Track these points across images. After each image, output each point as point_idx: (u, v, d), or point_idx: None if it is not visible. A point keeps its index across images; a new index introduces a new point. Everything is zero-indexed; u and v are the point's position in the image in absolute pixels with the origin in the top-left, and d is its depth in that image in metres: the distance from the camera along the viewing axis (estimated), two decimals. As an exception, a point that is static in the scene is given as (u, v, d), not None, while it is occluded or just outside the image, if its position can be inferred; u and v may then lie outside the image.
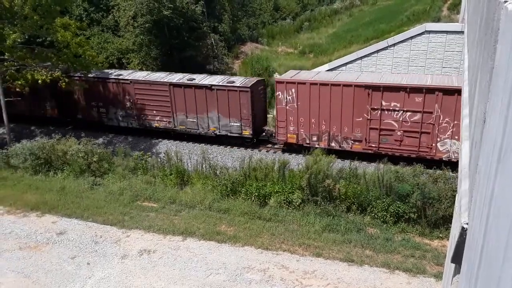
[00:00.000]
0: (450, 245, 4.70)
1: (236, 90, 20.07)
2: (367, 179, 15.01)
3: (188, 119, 21.61)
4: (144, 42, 29.15)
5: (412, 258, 12.29)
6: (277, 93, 19.38)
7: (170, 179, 17.13)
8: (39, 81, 20.10)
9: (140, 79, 22.25)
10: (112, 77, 22.90)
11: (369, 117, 17.92)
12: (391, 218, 13.75)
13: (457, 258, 3.33)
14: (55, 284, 11.81)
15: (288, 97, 19.13)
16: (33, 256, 13.09)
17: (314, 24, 43.64)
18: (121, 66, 29.57)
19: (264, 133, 22.02)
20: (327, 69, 28.43)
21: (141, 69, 28.13)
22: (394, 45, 26.31)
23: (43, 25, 19.70)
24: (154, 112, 22.30)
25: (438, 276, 11.29)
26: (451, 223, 8.35)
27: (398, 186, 13.91)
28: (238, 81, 20.71)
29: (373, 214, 14.06)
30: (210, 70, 30.57)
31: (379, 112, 17.71)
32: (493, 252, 1.74)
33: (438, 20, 31.09)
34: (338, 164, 17.70)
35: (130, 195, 16.32)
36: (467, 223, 3.03)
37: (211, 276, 11.85)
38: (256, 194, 15.20)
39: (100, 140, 23.06)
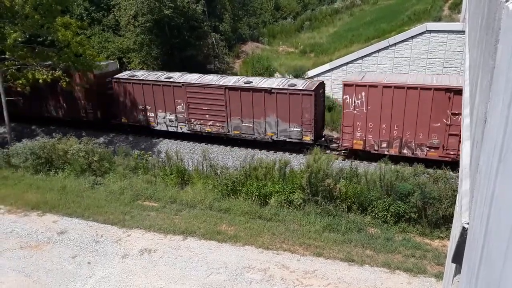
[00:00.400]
0: (451, 245, 4.70)
1: (298, 94, 19.13)
2: (367, 179, 15.00)
3: (243, 124, 20.69)
4: (144, 42, 29.15)
5: (412, 258, 12.29)
6: (345, 96, 18.36)
7: (170, 179, 17.14)
8: (40, 81, 20.13)
9: (193, 82, 21.32)
10: (162, 79, 21.96)
11: (448, 123, 16.87)
12: (392, 218, 13.74)
13: (458, 258, 3.33)
14: (55, 283, 11.82)
15: (356, 101, 18.08)
16: (34, 255, 13.11)
17: (315, 24, 43.58)
18: (122, 66, 29.57)
19: (323, 138, 20.99)
20: (328, 69, 28.44)
21: (141, 69, 28.13)
22: (395, 44, 26.31)
23: (44, 24, 19.71)
24: (207, 116, 21.33)
25: (439, 276, 11.28)
26: (451, 223, 8.34)
27: (399, 185, 13.91)
28: (300, 83, 19.81)
29: (373, 214, 14.06)
30: (211, 70, 30.56)
31: (461, 117, 16.95)
32: (494, 252, 1.74)
33: (439, 19, 31.04)
34: (339, 163, 17.69)
35: (130, 195, 16.33)
36: (467, 223, 3.03)
37: (211, 276, 11.85)
38: (257, 193, 15.20)
39: (101, 139, 23.07)
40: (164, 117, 22.37)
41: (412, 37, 25.77)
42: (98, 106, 23.57)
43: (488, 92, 2.71)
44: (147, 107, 22.53)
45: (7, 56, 20.28)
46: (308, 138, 19.59)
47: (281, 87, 19.57)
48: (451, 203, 12.68)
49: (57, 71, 20.77)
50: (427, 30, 25.27)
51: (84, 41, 21.78)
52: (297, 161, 18.90)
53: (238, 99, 20.35)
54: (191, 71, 24.07)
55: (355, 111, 18.29)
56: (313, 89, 19.00)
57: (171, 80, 21.78)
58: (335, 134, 22.17)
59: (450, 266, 4.28)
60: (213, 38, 32.02)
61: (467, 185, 3.66)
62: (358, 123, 18.38)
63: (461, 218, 3.26)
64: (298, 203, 14.75)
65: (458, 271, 3.65)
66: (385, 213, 13.80)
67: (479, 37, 5.12)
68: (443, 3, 36.37)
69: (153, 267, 12.33)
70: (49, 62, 21.33)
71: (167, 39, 28.90)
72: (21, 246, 13.61)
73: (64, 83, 20.96)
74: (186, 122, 21.95)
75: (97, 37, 31.15)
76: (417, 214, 13.49)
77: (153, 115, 22.57)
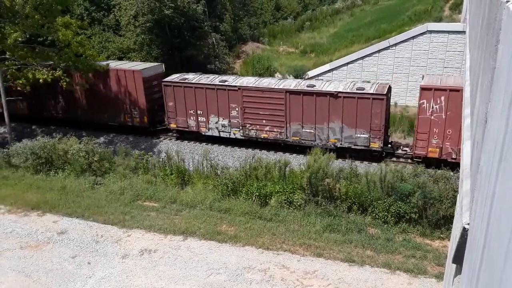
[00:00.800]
0: (451, 245, 4.69)
1: (368, 98, 18.03)
2: (368, 179, 14.98)
3: (303, 130, 19.62)
4: (145, 42, 29.18)
5: (413, 258, 12.27)
6: (421, 101, 17.22)
7: (171, 179, 17.13)
8: (40, 80, 20.14)
9: (250, 85, 20.28)
10: (216, 83, 20.89)
11: None
12: (392, 218, 13.73)
13: (458, 258, 3.32)
14: (55, 284, 11.82)
15: (435, 106, 17.02)
16: (34, 255, 13.11)
17: (316, 24, 43.63)
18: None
19: (389, 145, 19.74)
20: (328, 69, 28.45)
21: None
22: (395, 45, 26.32)
23: (44, 24, 19.73)
24: (264, 121, 20.33)
25: (439, 276, 11.27)
26: (452, 223, 8.33)
27: (399, 185, 13.89)
28: (368, 87, 18.69)
29: (374, 214, 14.04)
30: (212, 70, 30.59)
31: None
32: (495, 253, 1.73)
33: (439, 20, 31.07)
34: (339, 164, 17.68)
35: (131, 195, 16.33)
36: (468, 224, 3.02)
37: (211, 276, 11.84)
38: (257, 194, 15.18)
39: (101, 139, 23.08)
40: (216, 122, 21.40)
41: (413, 38, 25.78)
42: (145, 111, 22.63)
43: (488, 92, 2.70)
44: (199, 111, 21.54)
45: (7, 56, 20.29)
46: (376, 145, 18.58)
47: (348, 90, 18.56)
48: (451, 203, 12.67)
49: (57, 71, 20.78)
50: (427, 31, 25.28)
51: (84, 41, 21.80)
52: (297, 161, 18.88)
53: (300, 103, 19.28)
54: (191, 71, 24.06)
55: (432, 117, 17.19)
56: (384, 93, 18.00)
57: (226, 83, 20.77)
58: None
59: (450, 267, 4.27)
60: (214, 38, 32.04)
61: (467, 186, 3.66)
62: (435, 129, 17.26)
63: (461, 218, 3.25)
64: (298, 204, 14.74)
65: (458, 271, 3.64)
66: (386, 213, 13.79)
67: (479, 38, 5.12)
68: (444, 3, 36.41)
69: (153, 267, 12.32)
70: (50, 62, 21.34)
71: (167, 39, 28.92)
72: (21, 246, 13.61)
73: (64, 83, 20.97)
74: (241, 127, 20.97)
75: (97, 37, 31.17)
76: (417, 214, 13.47)
77: (204, 120, 21.59)
